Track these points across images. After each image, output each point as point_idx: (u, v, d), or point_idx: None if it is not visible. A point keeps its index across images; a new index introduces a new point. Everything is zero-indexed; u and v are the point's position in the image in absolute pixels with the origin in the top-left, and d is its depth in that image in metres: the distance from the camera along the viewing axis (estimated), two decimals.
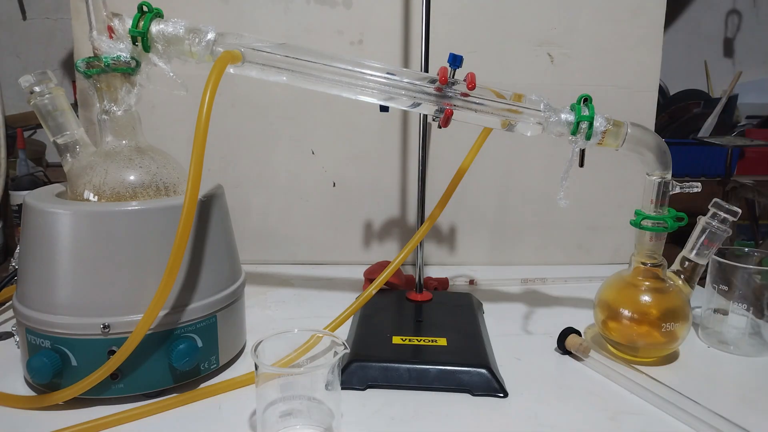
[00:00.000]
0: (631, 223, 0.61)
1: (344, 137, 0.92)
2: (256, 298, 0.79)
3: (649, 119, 0.93)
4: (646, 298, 0.61)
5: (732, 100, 1.65)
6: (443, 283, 0.84)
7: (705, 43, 2.08)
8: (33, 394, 0.53)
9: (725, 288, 0.64)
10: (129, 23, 0.54)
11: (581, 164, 0.59)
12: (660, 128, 1.53)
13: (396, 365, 0.57)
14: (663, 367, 0.62)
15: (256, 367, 0.46)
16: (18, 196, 1.01)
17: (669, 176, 0.59)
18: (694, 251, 0.64)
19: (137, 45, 0.54)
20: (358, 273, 0.85)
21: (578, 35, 0.90)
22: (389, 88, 0.56)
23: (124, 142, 0.57)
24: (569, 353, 0.63)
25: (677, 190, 0.60)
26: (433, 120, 0.57)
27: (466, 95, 0.56)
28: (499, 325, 0.71)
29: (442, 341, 0.62)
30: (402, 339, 0.62)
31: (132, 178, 0.55)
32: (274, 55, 0.54)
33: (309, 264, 0.95)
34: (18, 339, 0.56)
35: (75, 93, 0.93)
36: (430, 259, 0.96)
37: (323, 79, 0.55)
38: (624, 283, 0.63)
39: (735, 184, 1.38)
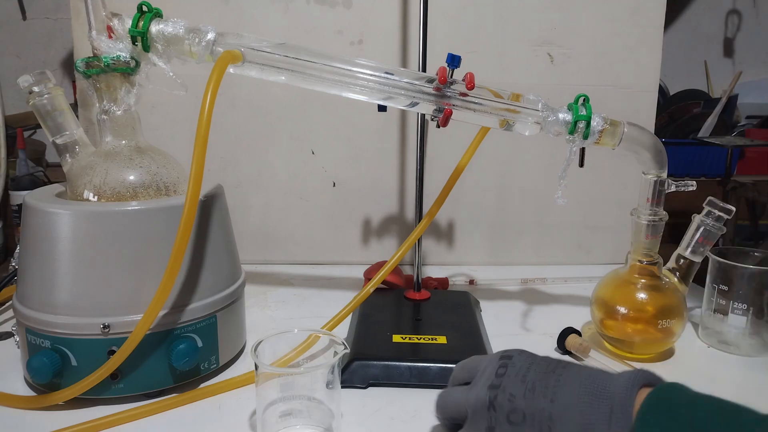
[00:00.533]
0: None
1: (344, 137, 0.92)
2: (256, 298, 0.79)
3: (649, 119, 0.93)
4: (642, 295, 0.62)
5: (732, 100, 1.64)
6: (443, 283, 0.84)
7: (705, 43, 2.08)
8: (33, 394, 0.53)
9: (725, 288, 0.64)
10: (128, 23, 0.54)
11: (581, 164, 0.59)
12: (660, 128, 1.52)
13: (397, 363, 0.57)
14: (660, 363, 0.62)
15: (256, 367, 0.46)
16: (18, 196, 1.01)
17: (665, 175, 0.60)
18: (689, 249, 0.65)
19: (137, 45, 0.54)
20: (358, 273, 0.85)
21: (578, 35, 0.90)
22: (388, 88, 0.56)
23: (123, 142, 0.57)
24: (569, 353, 0.63)
25: (672, 188, 0.61)
26: (432, 119, 0.58)
27: (465, 95, 0.56)
28: (499, 325, 0.71)
29: (442, 339, 0.62)
30: (402, 337, 0.62)
31: (132, 178, 0.55)
32: (274, 55, 0.55)
33: (309, 264, 0.95)
34: (18, 339, 0.56)
35: (75, 93, 0.93)
36: (430, 260, 0.96)
37: (322, 79, 0.55)
38: (620, 281, 0.64)
39: (735, 184, 1.38)
